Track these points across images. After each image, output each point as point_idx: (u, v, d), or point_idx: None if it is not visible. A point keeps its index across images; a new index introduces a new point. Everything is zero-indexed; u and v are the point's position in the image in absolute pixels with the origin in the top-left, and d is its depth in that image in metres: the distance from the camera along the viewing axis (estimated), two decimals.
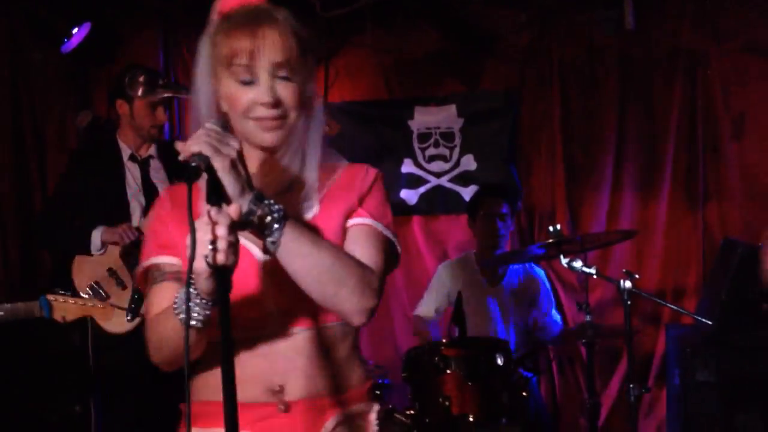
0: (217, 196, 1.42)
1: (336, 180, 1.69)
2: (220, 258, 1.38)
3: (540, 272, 4.37)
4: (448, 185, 4.93)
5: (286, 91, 1.57)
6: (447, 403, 3.24)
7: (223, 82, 1.58)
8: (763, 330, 3.73)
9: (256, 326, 1.61)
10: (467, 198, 4.74)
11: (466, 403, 3.27)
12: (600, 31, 4.70)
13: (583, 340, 3.60)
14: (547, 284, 4.37)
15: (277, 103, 1.57)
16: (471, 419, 3.25)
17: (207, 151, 1.40)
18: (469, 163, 4.91)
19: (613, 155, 4.74)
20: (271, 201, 1.48)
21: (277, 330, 1.62)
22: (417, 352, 3.46)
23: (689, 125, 4.65)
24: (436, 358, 3.31)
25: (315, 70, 1.68)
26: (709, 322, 3.33)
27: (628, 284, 3.23)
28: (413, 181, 4.97)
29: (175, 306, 1.50)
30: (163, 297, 1.62)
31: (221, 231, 1.38)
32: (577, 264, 3.38)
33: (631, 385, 3.25)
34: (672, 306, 3.71)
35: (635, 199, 4.74)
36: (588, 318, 3.65)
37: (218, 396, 1.40)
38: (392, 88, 5.02)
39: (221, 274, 1.40)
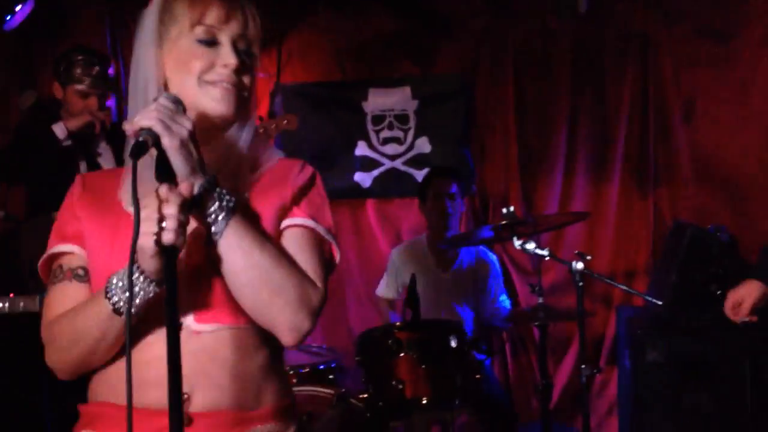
0: (166, 173, 1.36)
1: (268, 170, 1.60)
2: (169, 237, 1.31)
3: (492, 257, 4.36)
4: (403, 168, 4.91)
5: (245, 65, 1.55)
6: (400, 387, 3.22)
7: (180, 42, 1.51)
8: (711, 311, 3.79)
9: (158, 319, 1.42)
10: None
11: (419, 386, 3.25)
12: (553, 15, 4.70)
13: (536, 323, 3.61)
14: (499, 269, 4.36)
15: (238, 70, 1.52)
16: (424, 402, 3.23)
17: (157, 128, 1.32)
18: (423, 145, 4.89)
19: (566, 138, 4.77)
20: (224, 190, 1.41)
21: (184, 326, 1.45)
22: (370, 336, 3.43)
23: (641, 108, 4.70)
24: (390, 341, 3.27)
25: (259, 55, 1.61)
26: (659, 302, 3.36)
27: (579, 266, 3.24)
28: (367, 164, 4.93)
29: (108, 290, 1.41)
30: (65, 296, 1.53)
31: (171, 209, 1.32)
32: (530, 246, 3.37)
33: (582, 366, 3.26)
34: (623, 287, 3.73)
35: (587, 182, 4.78)
36: (540, 300, 3.66)
37: (119, 398, 1.29)
38: (346, 70, 4.96)
39: (168, 254, 1.33)
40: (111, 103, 3.88)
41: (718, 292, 2.95)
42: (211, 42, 1.52)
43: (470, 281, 4.25)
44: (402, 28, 4.87)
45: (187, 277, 1.44)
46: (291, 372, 3.47)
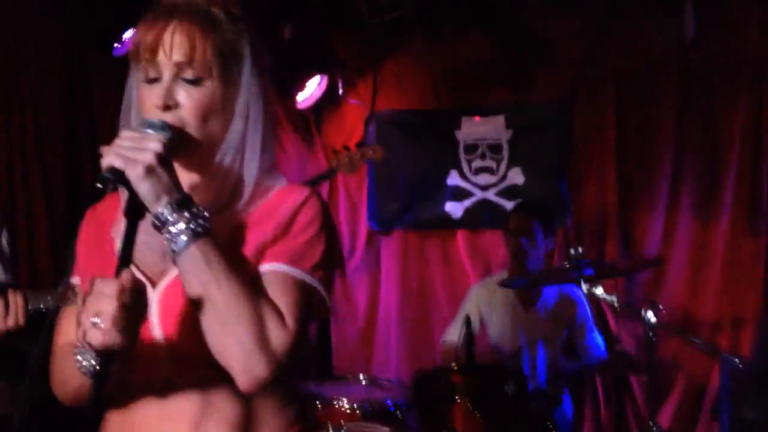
0: (135, 209, 1.27)
1: (261, 205, 1.44)
2: (96, 338, 1.18)
3: (579, 294, 4.05)
4: (494, 199, 4.74)
5: (188, 97, 1.37)
6: None
7: (135, 79, 1.42)
8: None
9: (146, 370, 1.40)
10: None
11: None
12: (658, 40, 4.38)
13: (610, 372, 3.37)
14: (586, 307, 4.06)
15: (168, 107, 1.36)
16: None
17: (118, 164, 1.24)
18: (516, 176, 4.71)
19: (670, 172, 4.42)
20: (198, 211, 1.30)
21: (171, 378, 1.40)
22: (424, 377, 3.31)
23: (754, 141, 4.29)
24: (443, 386, 3.15)
25: (255, 76, 1.44)
26: (737, 361, 3.06)
27: (650, 315, 2.99)
28: (459, 194, 4.80)
29: (75, 351, 1.34)
30: (71, 322, 1.41)
31: (107, 305, 1.17)
32: (599, 291, 3.15)
33: (651, 423, 3.02)
34: (697, 341, 3.42)
35: (693, 220, 4.41)
36: (619, 348, 3.42)
37: None
38: (440, 97, 4.86)
39: (102, 357, 1.21)
40: None
41: None
42: (151, 79, 1.39)
43: (554, 320, 4.00)
44: (498, 54, 4.68)
45: (170, 329, 1.38)
46: (357, 410, 3.38)
